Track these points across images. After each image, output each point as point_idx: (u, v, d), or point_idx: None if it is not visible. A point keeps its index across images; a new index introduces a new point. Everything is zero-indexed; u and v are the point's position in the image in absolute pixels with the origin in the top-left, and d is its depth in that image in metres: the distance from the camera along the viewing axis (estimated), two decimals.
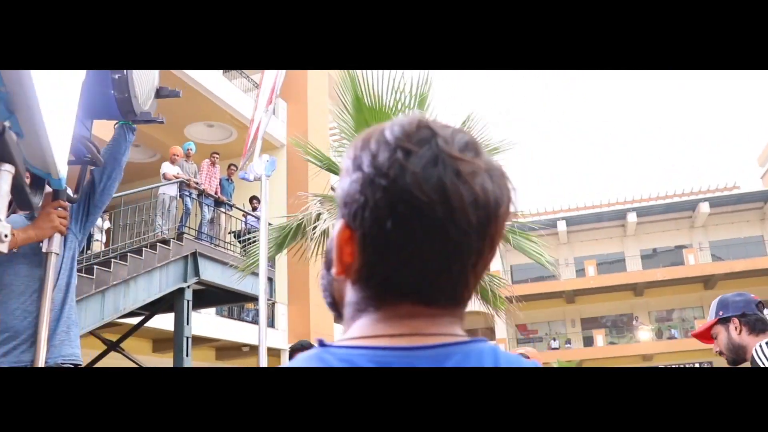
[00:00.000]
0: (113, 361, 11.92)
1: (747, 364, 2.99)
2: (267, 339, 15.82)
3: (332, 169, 6.90)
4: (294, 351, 4.26)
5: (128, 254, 10.00)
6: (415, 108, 6.38)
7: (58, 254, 2.62)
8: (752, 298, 3.19)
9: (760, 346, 2.86)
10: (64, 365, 2.67)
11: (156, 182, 11.66)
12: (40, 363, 2.50)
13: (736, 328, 3.08)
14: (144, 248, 10.32)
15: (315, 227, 5.64)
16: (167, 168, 11.47)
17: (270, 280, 13.25)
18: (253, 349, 19.31)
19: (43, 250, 2.60)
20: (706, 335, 3.30)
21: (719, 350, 3.17)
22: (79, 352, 2.81)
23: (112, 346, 11.69)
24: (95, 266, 9.36)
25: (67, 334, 2.75)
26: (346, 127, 6.76)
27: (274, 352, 19.81)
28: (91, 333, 10.91)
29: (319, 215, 5.81)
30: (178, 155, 11.68)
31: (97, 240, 12.90)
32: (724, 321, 3.15)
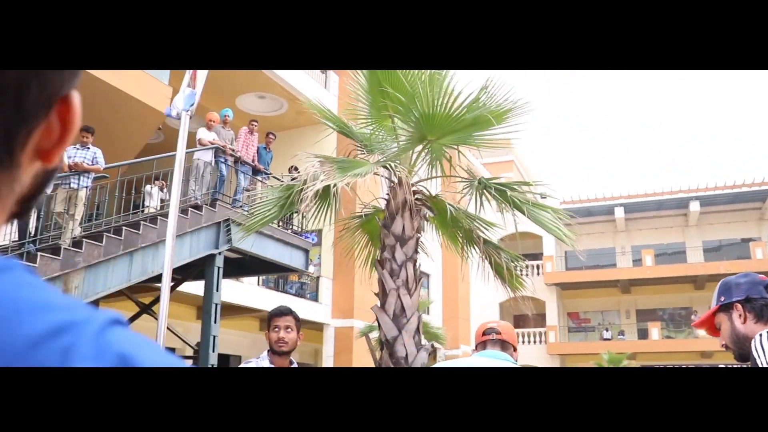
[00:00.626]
0: (145, 323, 12.04)
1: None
2: (310, 312, 15.96)
3: (344, 131, 6.68)
4: None
5: (158, 217, 10.00)
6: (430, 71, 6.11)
7: None
8: (759, 279, 2.73)
9: (760, 335, 2.42)
10: None
11: None
12: None
13: (740, 315, 2.63)
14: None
15: (307, 187, 5.43)
16: (203, 133, 11.41)
17: (305, 251, 13.17)
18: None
19: None
20: (710, 326, 2.86)
21: (724, 343, 2.75)
22: None
23: (144, 309, 11.80)
24: (124, 227, 9.38)
25: None
26: (358, 88, 6.54)
27: (317, 326, 19.90)
28: (126, 295, 11.04)
29: (317, 176, 5.60)
30: (214, 121, 11.60)
31: (148, 206, 12.99)
32: (726, 308, 2.72)
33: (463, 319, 27.03)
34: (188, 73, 2.76)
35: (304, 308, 18.78)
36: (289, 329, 3.91)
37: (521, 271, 7.32)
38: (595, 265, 33.13)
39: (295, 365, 3.95)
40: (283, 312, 3.96)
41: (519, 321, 34.26)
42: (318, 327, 20.02)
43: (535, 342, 32.15)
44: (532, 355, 31.66)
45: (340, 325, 19.69)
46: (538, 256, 32.89)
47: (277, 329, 3.90)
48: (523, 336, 32.27)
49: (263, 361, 3.91)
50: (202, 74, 2.82)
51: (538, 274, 32.88)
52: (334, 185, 5.60)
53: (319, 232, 18.30)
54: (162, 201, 13.51)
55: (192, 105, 2.77)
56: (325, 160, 5.92)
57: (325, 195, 6.24)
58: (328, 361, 19.71)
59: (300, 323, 3.98)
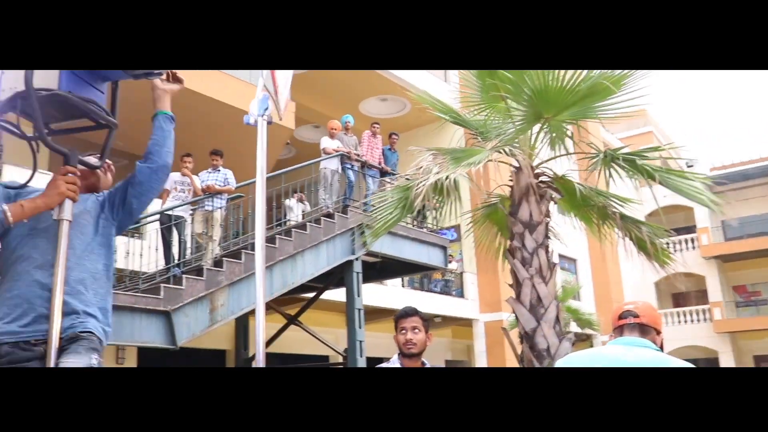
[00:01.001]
0: (293, 333, 12.33)
1: None
2: (457, 309, 15.85)
3: (457, 121, 6.42)
4: None
5: (293, 230, 10.18)
6: None
7: (69, 221, 2.52)
8: None
9: None
10: (83, 334, 2.56)
11: None
12: (54, 335, 2.40)
13: None
14: (308, 223, 10.46)
15: (421, 183, 5.21)
16: (327, 142, 11.53)
17: (443, 248, 13.02)
18: (446, 320, 19.31)
19: (53, 217, 2.53)
20: None
21: None
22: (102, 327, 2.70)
23: (291, 320, 12.09)
24: None
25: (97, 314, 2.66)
26: (469, 75, 6.28)
27: (465, 323, 19.70)
28: (272, 308, 11.33)
29: (430, 170, 5.37)
30: (336, 129, 11.71)
31: (290, 219, 13.30)
32: None
33: (617, 302, 25.87)
34: (263, 75, 2.66)
35: (450, 305, 18.67)
36: (417, 330, 3.73)
37: (669, 244, 6.72)
38: (759, 233, 30.63)
39: (427, 366, 3.77)
40: (408, 313, 3.78)
41: (678, 299, 32.39)
42: (467, 323, 19.82)
43: (698, 320, 30.20)
44: (697, 334, 29.78)
45: (488, 319, 19.38)
46: (691, 229, 30.88)
47: (404, 331, 3.73)
48: (684, 315, 30.42)
49: (393, 365, 3.76)
50: (282, 75, 2.71)
51: (693, 248, 30.90)
52: (447, 177, 5.36)
53: (458, 227, 18.12)
54: (303, 212, 13.79)
55: (266, 109, 2.68)
56: (437, 153, 5.71)
57: (444, 188, 6.00)
58: (480, 357, 19.46)
59: (428, 323, 3.79)
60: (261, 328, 2.60)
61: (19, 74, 2.35)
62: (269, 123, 2.72)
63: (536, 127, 6.11)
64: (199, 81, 11.97)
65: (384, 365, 3.80)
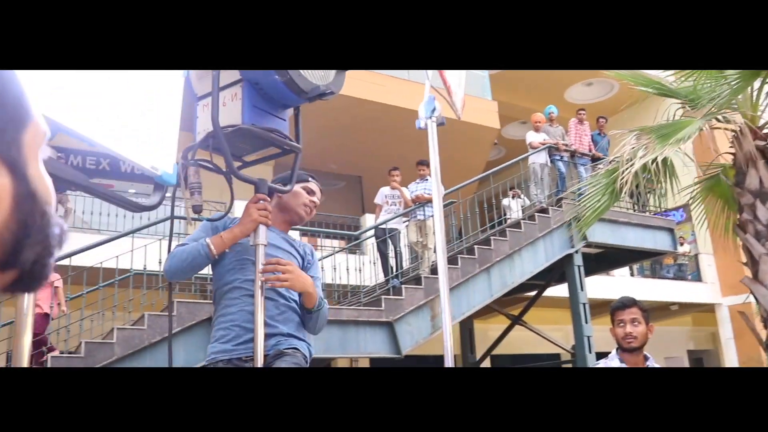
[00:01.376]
0: (519, 333, 12.16)
1: None
2: (695, 294, 14.69)
3: (663, 91, 5.85)
4: None
5: (507, 229, 10.04)
6: None
7: (265, 245, 2.63)
8: None
9: None
10: (287, 350, 2.69)
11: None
12: (259, 355, 2.51)
13: None
14: (522, 221, 10.26)
15: (626, 170, 4.79)
16: (532, 136, 11.26)
17: (670, 230, 12.18)
18: (684, 308, 18.07)
19: (250, 243, 2.67)
20: None
21: None
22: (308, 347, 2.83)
23: (515, 320, 11.93)
24: (476, 246, 9.58)
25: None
26: None
27: (706, 308, 18.27)
28: (495, 309, 11.26)
29: (635, 153, 4.92)
30: (539, 121, 11.41)
31: (509, 218, 13.17)
32: None
33: None
34: (428, 76, 2.60)
35: (686, 291, 17.41)
36: (636, 322, 3.46)
37: None
38: None
39: (651, 362, 3.47)
40: (625, 304, 3.52)
41: None
42: (708, 309, 18.34)
43: None
44: None
45: (732, 303, 17.73)
46: None
47: (622, 324, 3.48)
48: None
49: (612, 361, 3.52)
50: (453, 74, 2.63)
51: None
52: (653, 161, 4.89)
53: (686, 206, 16.89)
54: (522, 207, 13.57)
55: (434, 110, 2.62)
56: (642, 132, 5.25)
57: (652, 170, 5.50)
58: (728, 345, 17.89)
59: (647, 313, 3.51)
60: (449, 345, 2.51)
61: (208, 116, 2.51)
62: (440, 124, 2.67)
63: (757, 83, 5.41)
64: (397, 95, 12.27)
65: (603, 362, 3.57)
